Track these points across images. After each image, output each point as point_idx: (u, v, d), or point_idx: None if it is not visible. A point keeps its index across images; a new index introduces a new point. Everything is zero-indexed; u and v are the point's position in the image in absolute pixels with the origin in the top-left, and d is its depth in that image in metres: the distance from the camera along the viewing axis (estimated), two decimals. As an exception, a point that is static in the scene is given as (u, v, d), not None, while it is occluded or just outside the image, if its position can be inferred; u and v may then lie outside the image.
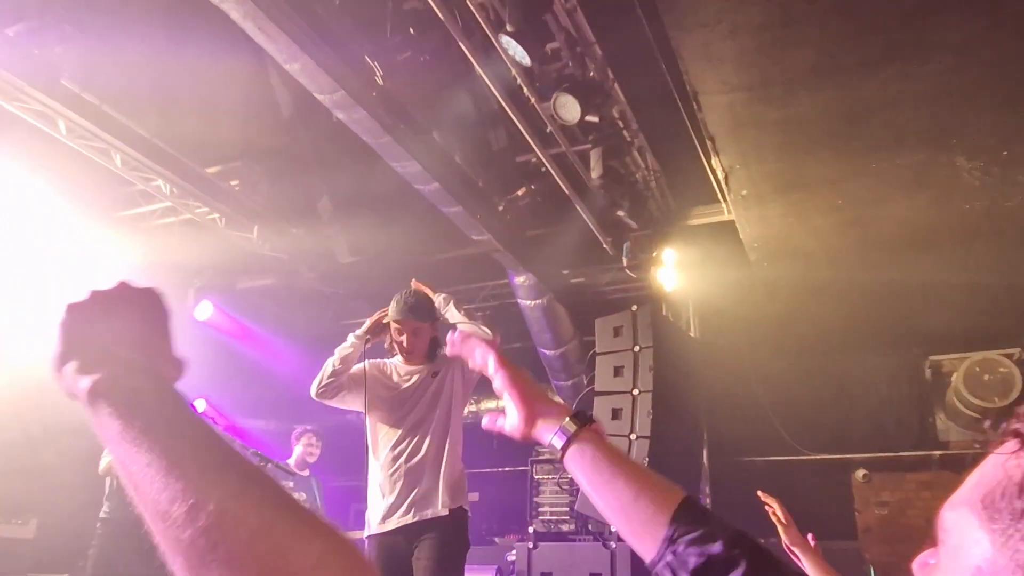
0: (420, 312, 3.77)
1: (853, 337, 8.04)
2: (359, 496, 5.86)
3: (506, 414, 1.18)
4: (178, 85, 5.66)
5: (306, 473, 6.09)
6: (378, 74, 4.65)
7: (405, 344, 3.76)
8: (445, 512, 3.55)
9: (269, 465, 4.86)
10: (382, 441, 3.71)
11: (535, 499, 8.23)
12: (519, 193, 6.03)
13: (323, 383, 3.69)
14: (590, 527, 6.19)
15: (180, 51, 5.38)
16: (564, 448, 1.08)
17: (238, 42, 4.83)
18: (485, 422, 1.21)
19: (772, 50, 4.31)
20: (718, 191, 5.87)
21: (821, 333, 7.99)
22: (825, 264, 6.60)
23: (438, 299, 3.84)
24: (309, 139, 6.29)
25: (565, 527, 7.55)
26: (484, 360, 1.21)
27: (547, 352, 7.82)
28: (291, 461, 5.98)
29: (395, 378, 3.84)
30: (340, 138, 5.93)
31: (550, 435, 1.11)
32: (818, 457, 8.26)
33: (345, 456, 5.84)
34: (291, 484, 5.50)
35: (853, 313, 7.48)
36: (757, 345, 8.36)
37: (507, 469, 8.85)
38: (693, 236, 6.64)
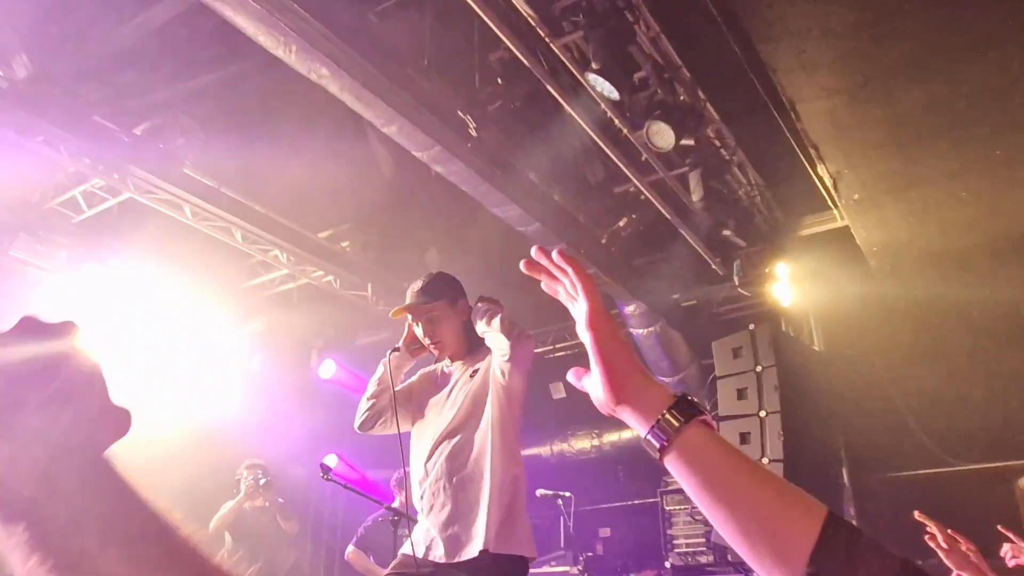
0: (429, 291, 3.02)
1: (1002, 330, 7.47)
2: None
3: (590, 373, 0.95)
4: (284, 159, 6.02)
5: None
6: (471, 126, 4.79)
7: (424, 337, 3.02)
8: (482, 553, 2.67)
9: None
10: (415, 452, 3.06)
11: (668, 531, 8.03)
12: (621, 224, 6.03)
13: (360, 412, 3.13)
14: (729, 557, 6.00)
15: (283, 127, 5.75)
16: (664, 448, 0.86)
17: (336, 111, 5.12)
18: (570, 375, 1.01)
19: (869, 48, 4.17)
20: (828, 198, 5.67)
21: (961, 331, 7.49)
22: (956, 259, 6.22)
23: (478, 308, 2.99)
24: (411, 195, 6.53)
25: (703, 559, 7.31)
26: (570, 292, 0.97)
27: (665, 379, 7.70)
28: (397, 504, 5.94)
29: (439, 380, 3.18)
30: (441, 190, 6.13)
31: (643, 427, 0.89)
32: (972, 467, 7.67)
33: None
34: (404, 530, 5.53)
35: (999, 302, 6.96)
36: (889, 352, 7.91)
37: (635, 502, 8.69)
38: (806, 247, 6.42)
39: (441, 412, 3.02)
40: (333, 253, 6.62)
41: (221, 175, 5.67)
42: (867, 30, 4.02)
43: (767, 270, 6.29)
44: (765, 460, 5.38)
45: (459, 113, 4.75)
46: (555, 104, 4.75)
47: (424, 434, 3.05)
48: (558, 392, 8.52)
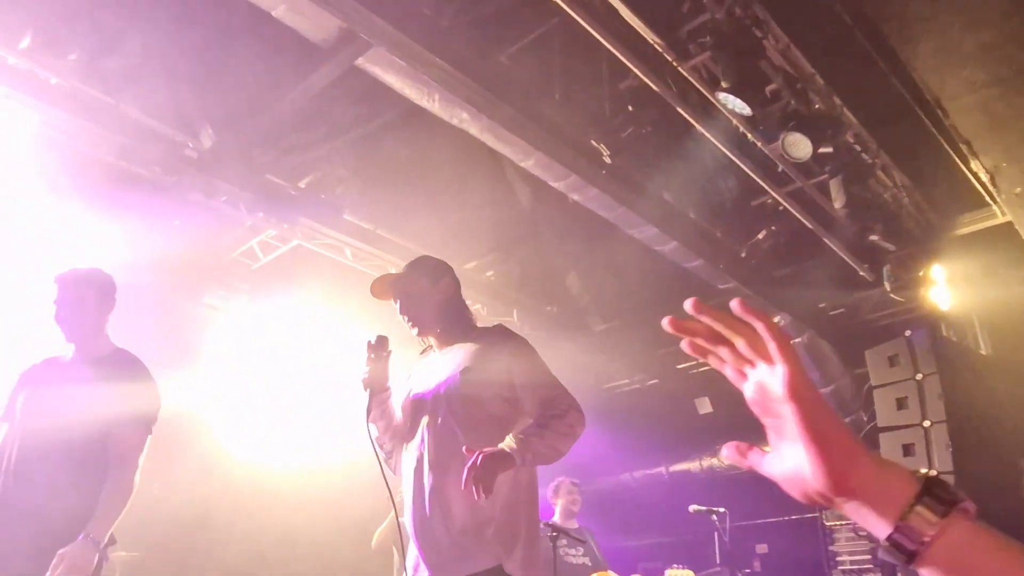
0: (410, 268, 2.78)
1: None
2: (644, 555, 5.84)
3: (779, 452, 0.75)
4: (430, 198, 6.30)
5: (575, 525, 5.76)
6: (605, 154, 4.85)
7: (401, 313, 2.69)
8: None
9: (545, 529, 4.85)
10: (403, 459, 2.64)
11: (830, 547, 7.60)
12: (760, 236, 5.85)
13: (383, 464, 2.59)
14: (899, 575, 5.59)
15: (427, 169, 6.03)
16: (917, 553, 0.66)
17: (474, 149, 5.32)
18: (726, 453, 0.82)
19: (1022, 34, 3.85)
20: (985, 194, 5.24)
21: None
22: None
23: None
24: (549, 222, 6.65)
25: (871, 577, 6.87)
26: (748, 355, 0.76)
27: (816, 391, 7.32)
28: (556, 518, 5.75)
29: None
30: (577, 216, 6.21)
31: (880, 524, 0.68)
32: None
33: (623, 514, 5.88)
34: (564, 543, 5.31)
35: None
36: (1070, 352, 7.15)
37: (792, 517, 8.28)
38: (965, 246, 5.94)
39: (420, 404, 2.63)
40: (479, 283, 6.84)
41: (375, 218, 6.02)
42: (1020, 15, 3.72)
43: (921, 273, 5.88)
44: (933, 473, 4.99)
45: (592, 142, 4.82)
46: (686, 125, 4.71)
47: (405, 435, 2.67)
48: (704, 407, 8.32)
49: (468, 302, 7.36)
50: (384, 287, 2.74)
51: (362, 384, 2.52)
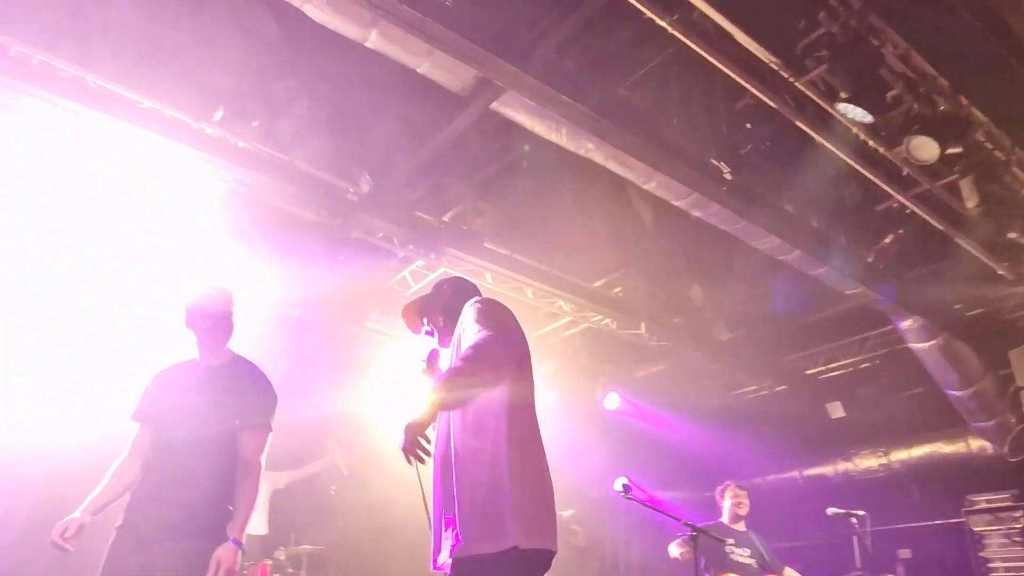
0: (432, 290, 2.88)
1: None
2: (781, 558, 5.52)
3: None
4: (559, 222, 6.36)
5: (742, 528, 5.53)
6: (725, 171, 4.72)
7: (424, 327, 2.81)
8: (448, 563, 2.14)
9: (698, 534, 4.76)
10: None
11: (980, 554, 6.90)
12: (887, 241, 5.47)
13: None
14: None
15: (555, 195, 6.10)
16: None
17: (596, 174, 5.32)
18: None
19: None
20: None
21: None
22: None
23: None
24: (672, 238, 6.53)
25: (1029, 584, 6.18)
26: None
27: (956, 393, 6.70)
28: (724, 519, 5.56)
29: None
30: (699, 230, 6.06)
31: None
32: None
33: (757, 518, 5.58)
34: (731, 541, 5.18)
35: None
36: None
37: (936, 522, 7.59)
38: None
39: None
40: (608, 298, 6.81)
41: (512, 244, 6.14)
42: None
43: (1067, 269, 5.28)
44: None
45: (712, 161, 4.70)
46: (805, 136, 4.50)
47: None
48: (836, 412, 7.82)
49: (598, 317, 7.27)
50: (412, 312, 2.82)
51: (432, 407, 2.14)
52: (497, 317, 2.38)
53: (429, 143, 5.00)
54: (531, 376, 2.42)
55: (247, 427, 3.04)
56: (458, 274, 2.87)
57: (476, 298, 2.60)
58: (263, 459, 3.08)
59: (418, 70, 4.01)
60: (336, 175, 5.16)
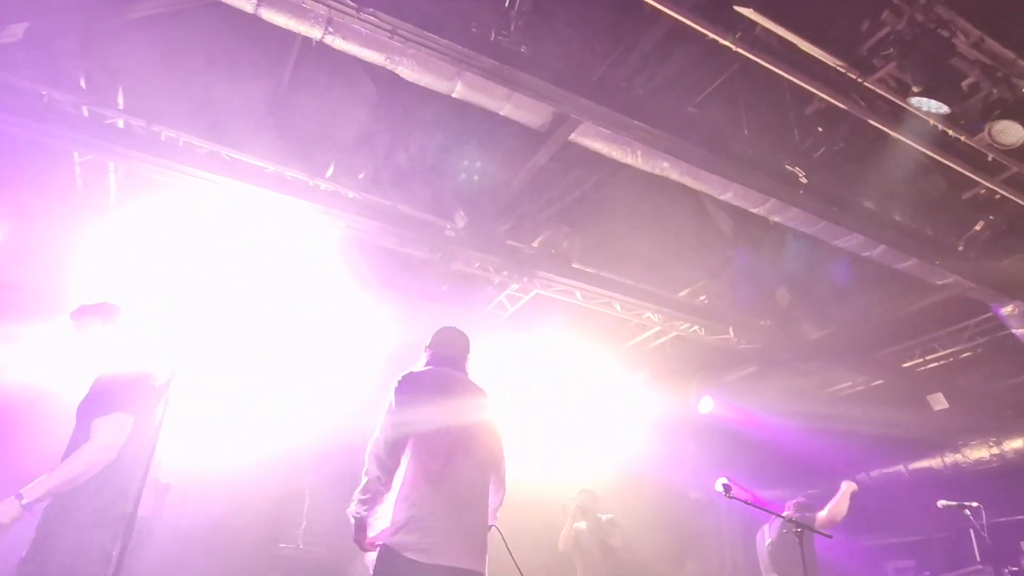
0: None
1: None
2: (893, 553, 5.15)
3: None
4: (641, 239, 6.27)
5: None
6: (800, 175, 4.53)
7: None
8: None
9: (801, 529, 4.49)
10: None
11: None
12: (977, 228, 5.06)
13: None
14: None
15: (636, 214, 6.03)
16: None
17: (673, 190, 5.21)
18: None
19: None
20: None
21: None
22: None
23: None
24: (752, 244, 6.31)
25: None
26: None
27: (1069, 377, 6.07)
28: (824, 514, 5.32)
29: None
30: (780, 234, 5.83)
31: None
32: None
33: (863, 514, 5.22)
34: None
35: None
36: None
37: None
38: None
39: None
40: (694, 306, 6.64)
41: (598, 263, 6.12)
42: None
43: None
44: None
45: (787, 167, 4.53)
46: (879, 133, 4.26)
47: None
48: (938, 403, 7.23)
49: (686, 325, 7.05)
50: None
51: None
52: None
53: (516, 177, 5.08)
54: None
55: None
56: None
57: None
58: None
59: (500, 112, 4.11)
60: (434, 214, 5.32)
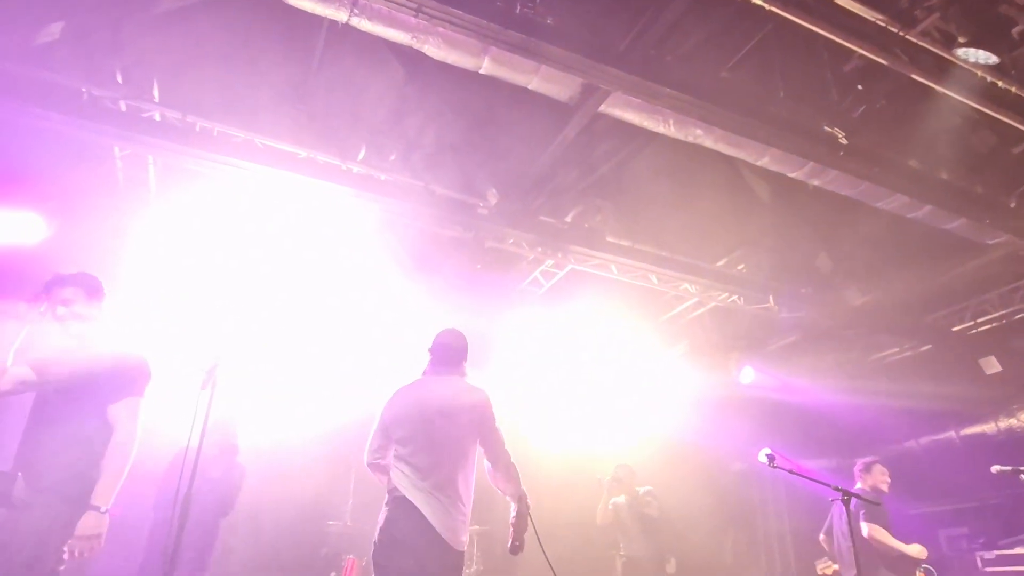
0: None
1: None
2: (946, 521, 5.04)
3: None
4: (677, 210, 6.19)
5: (878, 500, 5.14)
6: (840, 136, 4.40)
7: None
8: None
9: (851, 499, 4.44)
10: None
11: None
12: (1030, 183, 4.86)
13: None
14: None
15: (665, 182, 5.95)
16: None
17: (706, 157, 5.11)
18: None
19: None
20: None
21: None
22: None
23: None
24: (791, 210, 6.17)
25: None
26: None
27: None
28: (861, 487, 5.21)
29: None
30: (819, 199, 5.69)
31: None
32: None
33: (912, 481, 5.11)
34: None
35: None
36: None
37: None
38: None
39: None
40: (732, 276, 6.54)
41: (633, 235, 6.07)
42: None
43: None
44: None
45: (826, 128, 4.40)
46: (924, 88, 4.11)
47: None
48: (991, 367, 7.02)
49: (724, 295, 7.01)
50: None
51: None
52: None
53: (546, 151, 5.04)
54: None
55: None
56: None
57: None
58: None
59: (528, 87, 4.07)
60: (466, 193, 5.34)
